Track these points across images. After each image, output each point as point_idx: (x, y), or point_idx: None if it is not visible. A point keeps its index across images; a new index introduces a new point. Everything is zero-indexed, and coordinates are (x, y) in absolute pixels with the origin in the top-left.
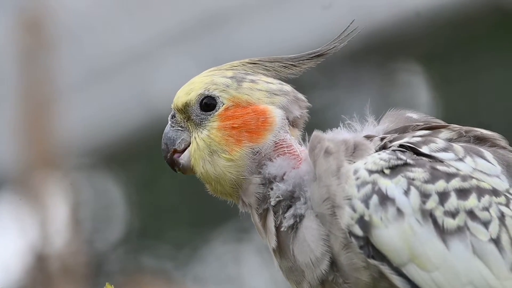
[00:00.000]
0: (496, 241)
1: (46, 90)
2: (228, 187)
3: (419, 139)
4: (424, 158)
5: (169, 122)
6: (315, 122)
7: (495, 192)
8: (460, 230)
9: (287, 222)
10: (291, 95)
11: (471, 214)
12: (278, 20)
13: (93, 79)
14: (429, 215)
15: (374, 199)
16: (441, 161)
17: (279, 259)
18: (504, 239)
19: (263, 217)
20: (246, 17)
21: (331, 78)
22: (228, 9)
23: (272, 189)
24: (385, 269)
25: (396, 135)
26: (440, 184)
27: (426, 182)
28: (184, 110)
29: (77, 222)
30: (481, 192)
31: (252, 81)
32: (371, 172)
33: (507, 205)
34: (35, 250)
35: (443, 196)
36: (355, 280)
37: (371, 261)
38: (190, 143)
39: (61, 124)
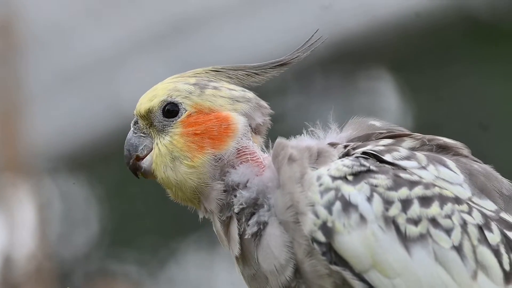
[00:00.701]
0: (458, 249)
1: (14, 94)
2: (189, 194)
3: (382, 147)
4: (387, 166)
5: (132, 129)
6: (283, 128)
7: (457, 200)
8: (422, 237)
9: (250, 230)
10: (254, 102)
11: (433, 221)
12: (250, 24)
13: (61, 84)
14: (391, 222)
15: (337, 205)
16: (404, 169)
17: (242, 266)
18: (466, 246)
19: (226, 224)
20: (218, 21)
21: (302, 84)
22: (199, 12)
23: (235, 196)
24: (347, 275)
25: (359, 143)
26: (403, 192)
27: (389, 189)
28: (147, 116)
29: (45, 227)
30: (443, 200)
31: (215, 88)
32: (334, 178)
33: (469, 213)
34: (2, 254)
35: (406, 203)
36: (318, 287)
37: (334, 267)
38: (152, 149)
39: (30, 128)
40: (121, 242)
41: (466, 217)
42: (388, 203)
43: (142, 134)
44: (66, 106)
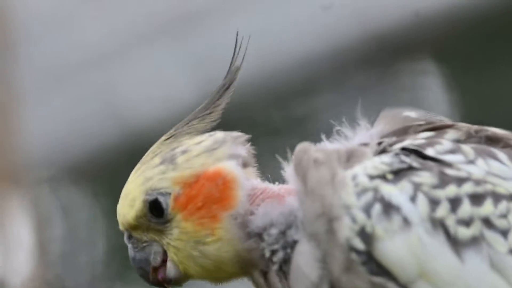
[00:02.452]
0: None
1: (5, 94)
2: (231, 268)
3: (422, 141)
4: (430, 162)
5: (129, 246)
6: (316, 127)
7: None
8: (475, 240)
9: (277, 257)
10: (228, 139)
11: (487, 222)
12: (259, 15)
13: (55, 84)
14: (439, 225)
15: (377, 207)
16: (449, 164)
17: None
18: None
19: (263, 274)
20: (225, 12)
21: (336, 82)
22: (206, 1)
23: (264, 240)
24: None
25: (395, 138)
26: (451, 190)
27: (435, 187)
28: (138, 224)
29: (44, 246)
30: (497, 197)
31: (184, 152)
32: (371, 177)
33: None
34: None
35: (454, 203)
36: None
37: (376, 278)
38: (164, 252)
39: (23, 131)
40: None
41: None
42: (434, 203)
43: (144, 244)
44: (60, 108)
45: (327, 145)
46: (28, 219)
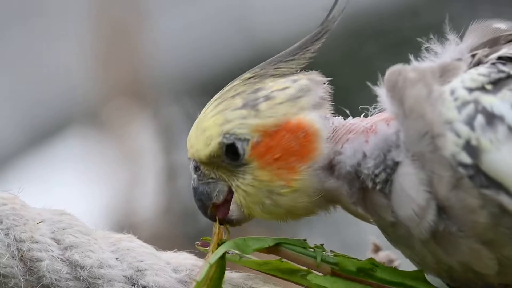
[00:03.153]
0: None
1: (135, 8)
2: (303, 212)
3: None
4: None
5: (195, 176)
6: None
7: None
8: None
9: (379, 179)
10: (312, 87)
11: None
12: None
13: None
14: None
15: (480, 119)
16: None
17: (389, 233)
18: None
19: (361, 202)
20: None
21: None
22: None
23: (359, 177)
24: (505, 200)
25: (487, 49)
26: None
27: None
28: (210, 161)
29: (170, 167)
30: None
31: (267, 98)
32: (470, 90)
33: None
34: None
35: None
36: (471, 224)
37: (486, 191)
38: (228, 192)
39: (145, 46)
40: None
41: None
42: None
43: (210, 180)
44: (187, 18)
45: (420, 65)
46: (154, 138)
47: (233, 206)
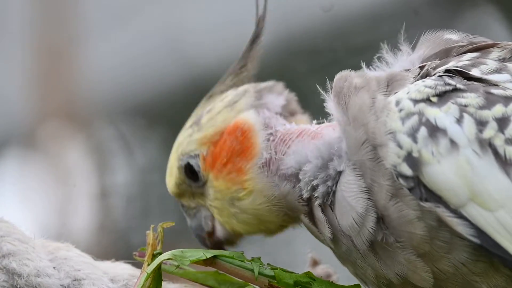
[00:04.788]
0: None
1: (67, 32)
2: (275, 218)
3: (466, 62)
4: (475, 82)
5: (184, 214)
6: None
7: None
8: None
9: (320, 191)
10: (252, 90)
11: None
12: None
13: (116, 18)
14: (487, 145)
15: (422, 131)
16: (495, 84)
17: (335, 246)
18: None
19: (308, 215)
20: None
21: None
22: None
23: (300, 180)
24: (442, 213)
25: (437, 61)
26: (498, 109)
27: (481, 108)
28: (181, 191)
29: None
30: None
31: (208, 111)
32: (416, 101)
33: None
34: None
35: (502, 122)
36: (408, 235)
37: (425, 204)
38: (212, 216)
39: (80, 69)
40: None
41: None
42: (481, 124)
43: (193, 211)
44: (121, 43)
45: (368, 72)
46: (88, 158)
47: (217, 226)
